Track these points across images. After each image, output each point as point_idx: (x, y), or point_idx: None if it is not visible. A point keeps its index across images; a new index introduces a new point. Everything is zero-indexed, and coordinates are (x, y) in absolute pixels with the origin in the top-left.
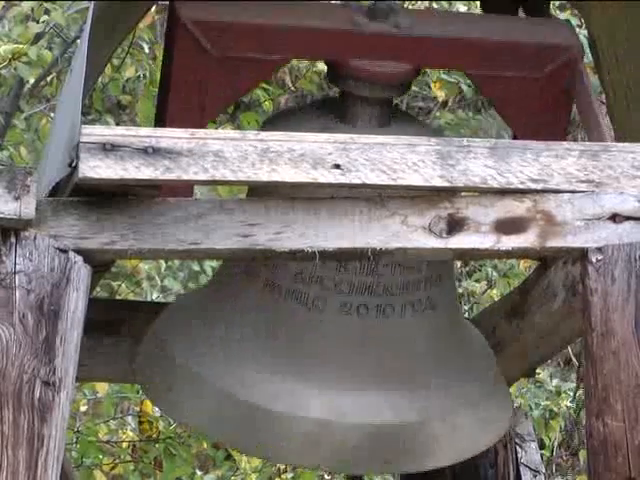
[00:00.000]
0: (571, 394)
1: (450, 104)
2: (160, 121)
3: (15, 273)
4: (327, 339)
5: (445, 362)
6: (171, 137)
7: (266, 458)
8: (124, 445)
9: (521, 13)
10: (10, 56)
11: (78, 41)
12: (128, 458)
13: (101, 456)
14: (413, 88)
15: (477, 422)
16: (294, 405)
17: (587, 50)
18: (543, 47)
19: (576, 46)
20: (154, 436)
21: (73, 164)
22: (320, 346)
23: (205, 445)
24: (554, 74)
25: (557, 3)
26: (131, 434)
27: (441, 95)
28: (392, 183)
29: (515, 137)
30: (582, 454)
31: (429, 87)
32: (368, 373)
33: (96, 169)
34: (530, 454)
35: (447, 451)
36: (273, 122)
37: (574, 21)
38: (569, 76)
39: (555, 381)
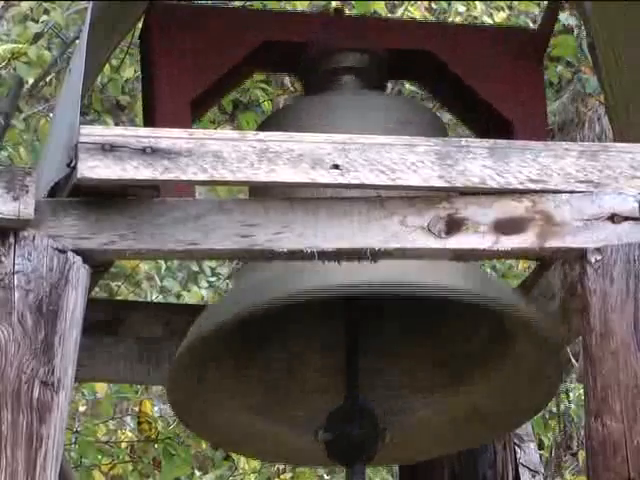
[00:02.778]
0: (570, 394)
1: None
2: (149, 119)
3: (14, 273)
4: None
5: None
6: (170, 137)
7: (318, 291)
8: (123, 445)
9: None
10: (9, 56)
11: (77, 41)
12: (127, 458)
13: (100, 456)
14: (412, 88)
15: None
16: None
17: (586, 50)
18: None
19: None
20: (153, 436)
21: (72, 164)
22: None
23: (204, 445)
24: (524, 44)
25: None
26: (130, 434)
27: None
28: (391, 183)
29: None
30: (581, 454)
31: None
32: None
33: (95, 169)
34: (529, 454)
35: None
36: (271, 121)
37: (573, 21)
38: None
39: None
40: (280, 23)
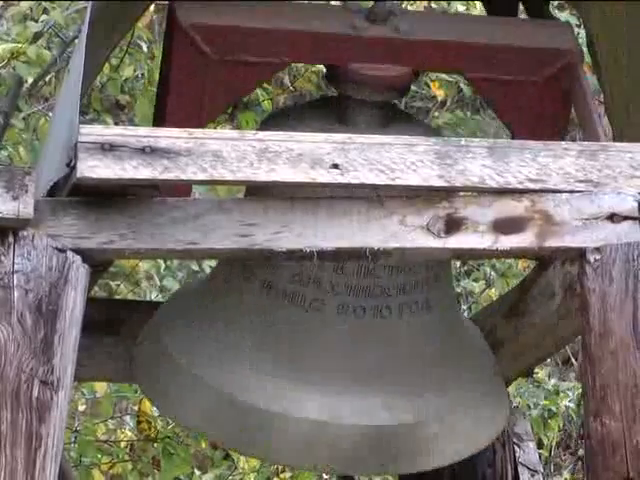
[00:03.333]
0: (570, 394)
1: (449, 104)
2: (158, 123)
3: (13, 273)
4: (324, 340)
5: (443, 362)
6: (169, 137)
7: (263, 458)
8: (122, 445)
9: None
10: (9, 55)
11: (76, 41)
12: (126, 458)
13: (99, 455)
14: (412, 87)
15: (475, 422)
16: (291, 406)
17: (586, 50)
18: (542, 51)
19: (575, 49)
20: (152, 436)
21: (71, 164)
22: (317, 347)
23: (203, 445)
24: (552, 77)
25: (556, 3)
26: (129, 434)
27: (440, 94)
28: (390, 183)
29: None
30: (580, 454)
31: (428, 87)
32: (366, 374)
33: (94, 169)
34: (528, 453)
35: (445, 451)
36: (272, 121)
37: (573, 20)
38: (568, 79)
39: (553, 380)
40: (308, 43)
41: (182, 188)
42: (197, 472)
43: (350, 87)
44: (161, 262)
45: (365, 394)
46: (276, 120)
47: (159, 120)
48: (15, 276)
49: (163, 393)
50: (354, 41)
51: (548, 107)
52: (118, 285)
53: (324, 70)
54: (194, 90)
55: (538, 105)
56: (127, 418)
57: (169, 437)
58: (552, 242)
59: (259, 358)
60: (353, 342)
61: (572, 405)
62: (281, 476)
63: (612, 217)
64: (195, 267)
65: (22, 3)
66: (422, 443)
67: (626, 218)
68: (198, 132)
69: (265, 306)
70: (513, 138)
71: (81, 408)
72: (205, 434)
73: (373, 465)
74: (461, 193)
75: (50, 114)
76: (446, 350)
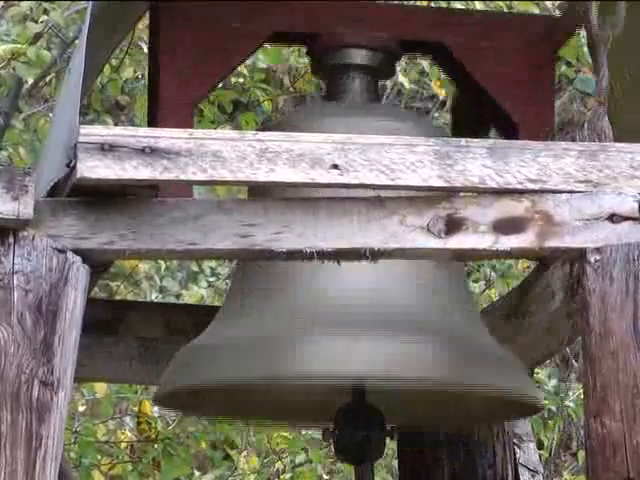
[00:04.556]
0: (570, 394)
1: (449, 104)
2: (152, 103)
3: (13, 273)
4: (345, 278)
5: (471, 314)
6: (169, 137)
7: (297, 378)
8: (122, 445)
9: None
10: (9, 56)
11: (77, 41)
12: (127, 458)
13: (99, 456)
14: (413, 87)
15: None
16: (322, 334)
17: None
18: (525, 17)
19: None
20: (152, 436)
21: (71, 164)
22: (341, 285)
23: (204, 445)
24: (534, 40)
25: (556, 3)
26: (129, 434)
27: (441, 92)
28: (390, 183)
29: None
30: (581, 454)
31: (427, 86)
32: (393, 310)
33: (94, 169)
34: (528, 454)
35: (479, 374)
36: (272, 123)
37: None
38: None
39: (554, 381)
40: (290, 12)
41: (182, 188)
42: (197, 473)
43: (334, 53)
44: (161, 262)
45: (396, 325)
46: (276, 122)
47: (152, 100)
48: (15, 277)
49: (188, 366)
50: (335, 8)
51: (534, 71)
52: (118, 286)
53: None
54: (184, 63)
55: (523, 70)
56: (127, 419)
57: (169, 438)
58: (552, 242)
59: (281, 312)
60: (376, 278)
61: (572, 405)
62: (281, 477)
63: (612, 217)
64: (195, 268)
65: (22, 3)
66: (455, 363)
67: (626, 218)
68: (198, 132)
69: (280, 271)
70: (499, 114)
71: (81, 409)
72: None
73: (408, 371)
74: (461, 193)
75: (50, 115)
76: (471, 312)
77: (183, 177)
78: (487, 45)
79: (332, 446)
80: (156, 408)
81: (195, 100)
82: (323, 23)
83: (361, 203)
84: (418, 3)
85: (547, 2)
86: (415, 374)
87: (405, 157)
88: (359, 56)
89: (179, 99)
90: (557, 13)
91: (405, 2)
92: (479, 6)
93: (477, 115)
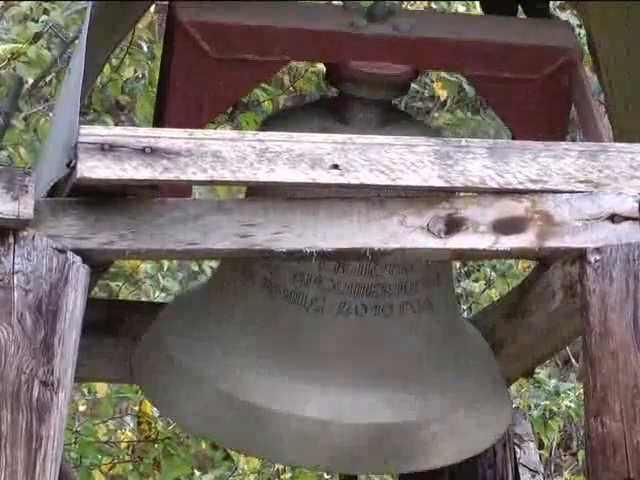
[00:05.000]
0: (570, 394)
1: (449, 104)
2: (159, 122)
3: (13, 273)
4: (326, 339)
5: (444, 362)
6: (169, 137)
7: (264, 458)
8: (123, 445)
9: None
10: (9, 56)
11: (77, 41)
12: (127, 458)
13: (100, 456)
14: (413, 87)
15: (476, 422)
16: (293, 404)
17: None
18: (541, 48)
19: (575, 47)
20: (153, 436)
21: (71, 164)
22: (319, 346)
23: (204, 445)
24: (552, 76)
25: (557, 3)
26: (130, 434)
27: (442, 94)
28: (391, 183)
29: (514, 138)
30: (581, 454)
31: (429, 86)
32: (367, 373)
33: (94, 169)
34: (529, 454)
35: (446, 451)
36: (272, 122)
37: (573, 21)
38: (567, 78)
39: (554, 381)
40: (307, 42)
41: (182, 188)
42: (197, 473)
43: (349, 85)
44: (162, 262)
45: (366, 392)
46: (276, 121)
47: (159, 120)
48: (15, 277)
49: (163, 393)
50: (353, 39)
51: (548, 106)
52: (119, 286)
53: (324, 70)
54: (194, 89)
55: (537, 104)
56: (127, 419)
57: (169, 438)
58: (552, 242)
59: (259, 357)
60: (354, 341)
61: (573, 405)
62: (282, 477)
63: (612, 217)
64: (195, 267)
65: (22, 3)
66: (424, 442)
67: (627, 218)
68: (198, 132)
69: (266, 305)
70: (513, 138)
71: (81, 409)
72: (205, 435)
73: (375, 464)
74: (461, 193)
75: (50, 114)
76: (448, 350)
77: (183, 177)
78: (504, 77)
79: None
80: (156, 408)
81: (202, 125)
82: (337, 53)
83: (361, 203)
84: (418, 4)
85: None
86: (381, 462)
87: (405, 157)
88: (373, 92)
89: (186, 125)
90: (559, 14)
91: (405, 2)
92: (479, 7)
93: None
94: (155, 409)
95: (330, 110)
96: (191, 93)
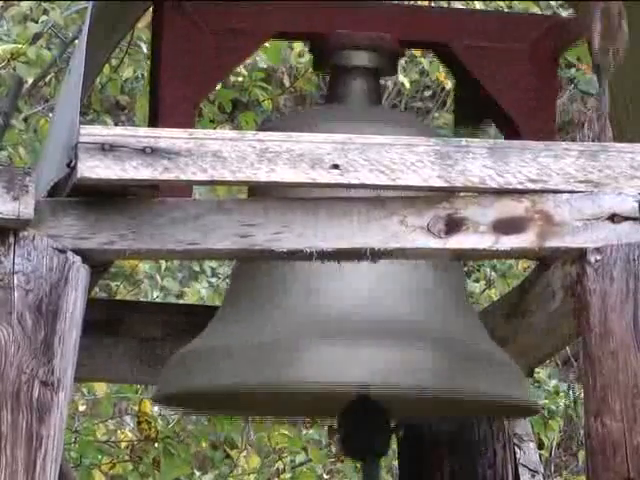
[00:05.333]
0: (570, 394)
1: (449, 104)
2: (153, 102)
3: (14, 273)
4: (344, 282)
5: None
6: (169, 137)
7: (295, 388)
8: (123, 445)
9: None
10: (9, 56)
11: (76, 41)
12: (127, 458)
13: (100, 456)
14: (412, 87)
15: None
16: (322, 337)
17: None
18: (528, 17)
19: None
20: (153, 436)
21: (71, 164)
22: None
23: (204, 445)
24: (539, 41)
25: (557, 3)
26: (130, 434)
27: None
28: (391, 183)
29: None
30: (581, 454)
31: (428, 87)
32: (393, 315)
33: (94, 169)
34: (529, 454)
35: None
36: (271, 123)
37: None
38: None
39: (554, 381)
40: (293, 12)
41: (182, 188)
42: (197, 472)
43: (340, 54)
44: (162, 262)
45: (396, 330)
46: (276, 122)
47: (153, 100)
48: (15, 277)
49: (187, 371)
50: (341, 9)
51: (537, 74)
52: (118, 286)
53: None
54: (186, 62)
55: (526, 73)
56: (127, 418)
57: (169, 437)
58: (552, 242)
59: (281, 317)
60: (376, 283)
61: (573, 405)
62: (282, 477)
63: (613, 217)
64: (196, 267)
65: (22, 3)
66: (453, 368)
67: (627, 218)
68: (198, 132)
69: (281, 273)
70: (500, 112)
71: (81, 408)
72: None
73: (409, 385)
74: (461, 193)
75: (50, 115)
76: (468, 316)
77: (183, 177)
78: (490, 46)
79: (337, 442)
80: (156, 408)
81: (196, 99)
82: (326, 24)
83: (361, 203)
84: (419, 2)
85: (551, 1)
86: (414, 382)
87: (405, 157)
88: (362, 58)
89: (180, 99)
90: (561, 12)
91: (406, 2)
92: (479, 6)
93: (478, 111)
94: (155, 409)
95: (327, 102)
96: (183, 66)
